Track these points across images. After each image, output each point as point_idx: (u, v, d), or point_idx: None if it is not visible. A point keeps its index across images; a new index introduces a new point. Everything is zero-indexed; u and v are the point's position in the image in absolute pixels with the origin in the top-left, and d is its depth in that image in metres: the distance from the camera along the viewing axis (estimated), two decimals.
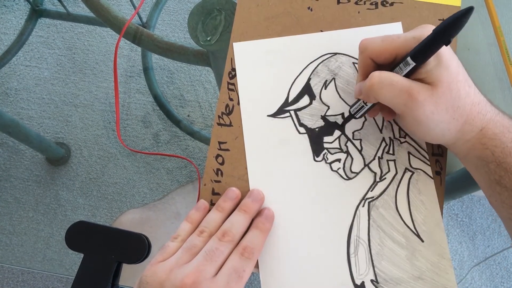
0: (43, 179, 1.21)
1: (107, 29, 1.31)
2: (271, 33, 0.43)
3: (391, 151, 0.39)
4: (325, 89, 0.41)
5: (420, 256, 0.37)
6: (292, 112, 0.41)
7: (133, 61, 1.29)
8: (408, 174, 0.39)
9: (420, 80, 0.33)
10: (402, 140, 0.40)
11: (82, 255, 0.38)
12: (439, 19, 0.42)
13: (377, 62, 0.35)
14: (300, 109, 0.41)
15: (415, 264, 0.37)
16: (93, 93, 1.27)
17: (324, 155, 0.40)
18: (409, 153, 0.39)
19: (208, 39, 0.47)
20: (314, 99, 0.41)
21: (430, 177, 0.39)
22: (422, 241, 0.37)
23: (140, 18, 1.14)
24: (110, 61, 1.29)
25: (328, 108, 0.41)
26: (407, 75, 0.33)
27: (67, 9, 1.09)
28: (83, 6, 1.29)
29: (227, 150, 0.40)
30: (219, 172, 0.40)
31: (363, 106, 0.37)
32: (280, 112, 0.41)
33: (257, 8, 0.44)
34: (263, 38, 0.43)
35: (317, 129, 0.40)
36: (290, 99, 0.41)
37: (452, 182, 0.64)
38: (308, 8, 0.43)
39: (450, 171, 0.64)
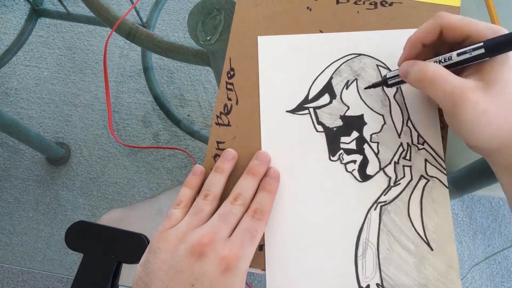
0: (43, 179, 1.21)
1: (107, 29, 1.31)
2: (270, 33, 0.43)
3: (407, 157, 0.39)
4: (346, 89, 0.41)
5: (428, 264, 0.36)
6: (311, 110, 0.41)
7: (133, 61, 1.29)
8: (423, 181, 0.38)
9: (477, 76, 0.32)
10: (420, 146, 0.39)
11: (82, 255, 0.38)
12: None
13: (444, 35, 0.34)
14: (319, 107, 0.41)
15: (423, 272, 0.36)
16: (93, 93, 1.27)
17: (340, 155, 0.39)
18: (426, 160, 0.39)
19: (208, 38, 0.47)
20: (335, 98, 0.41)
21: (445, 186, 0.38)
22: (432, 249, 0.37)
23: (140, 17, 1.13)
24: (110, 61, 1.29)
25: (348, 108, 0.40)
26: (469, 63, 0.32)
27: (67, 9, 1.09)
28: (83, 6, 1.29)
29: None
30: None
31: (401, 80, 0.36)
32: (299, 108, 0.41)
33: (256, 8, 0.44)
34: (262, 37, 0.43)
35: (335, 129, 0.40)
36: (310, 97, 0.41)
37: (452, 182, 0.64)
38: (307, 8, 0.43)
39: (450, 171, 0.64)
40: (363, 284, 0.36)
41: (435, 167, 0.39)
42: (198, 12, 0.48)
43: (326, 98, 0.41)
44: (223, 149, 0.40)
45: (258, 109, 0.41)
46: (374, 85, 0.40)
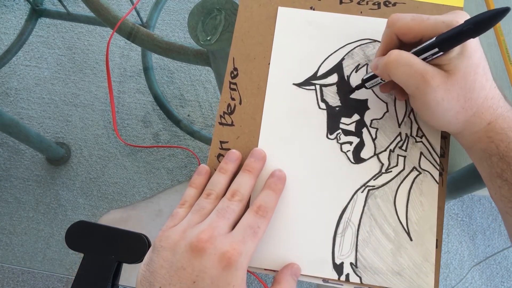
0: (43, 179, 1.21)
1: (107, 29, 1.31)
2: (273, 33, 0.43)
3: (404, 147, 0.40)
4: (356, 72, 0.41)
5: (405, 253, 0.37)
6: (318, 86, 0.41)
7: (133, 61, 1.29)
8: (414, 173, 0.39)
9: (439, 66, 0.33)
10: (418, 139, 0.40)
11: (82, 255, 0.38)
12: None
13: (402, 39, 0.35)
14: (326, 85, 0.41)
15: (398, 259, 0.37)
16: (93, 93, 1.27)
17: (337, 134, 0.40)
18: (421, 153, 0.39)
19: (208, 38, 0.47)
20: (343, 79, 0.41)
21: (436, 181, 0.39)
22: (411, 239, 0.38)
23: (140, 17, 1.13)
24: (110, 61, 1.29)
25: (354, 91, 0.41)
26: (428, 59, 0.33)
27: (67, 9, 1.09)
28: (83, 6, 1.29)
29: (229, 149, 0.40)
30: None
31: (376, 79, 0.37)
32: (306, 83, 0.42)
33: (259, 7, 0.44)
34: (265, 38, 0.43)
35: (337, 108, 0.41)
36: (319, 74, 0.42)
37: (452, 182, 0.64)
38: (311, 7, 0.43)
39: (451, 171, 0.64)
40: (337, 261, 0.37)
41: (429, 161, 0.39)
42: (198, 12, 0.48)
43: (334, 77, 0.42)
44: (226, 149, 0.40)
45: (262, 109, 0.41)
46: (356, 88, 0.40)
